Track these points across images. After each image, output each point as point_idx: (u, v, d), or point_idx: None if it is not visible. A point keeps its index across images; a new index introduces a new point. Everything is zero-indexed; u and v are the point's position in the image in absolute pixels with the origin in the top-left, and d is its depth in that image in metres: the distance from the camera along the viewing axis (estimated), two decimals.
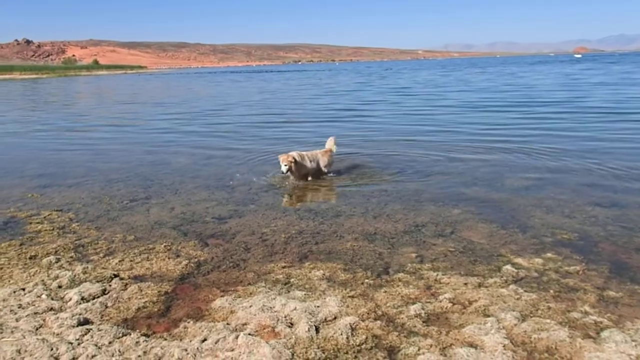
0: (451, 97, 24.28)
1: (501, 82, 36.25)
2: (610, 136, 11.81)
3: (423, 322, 3.78)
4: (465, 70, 66.01)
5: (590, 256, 4.96)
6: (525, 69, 60.57)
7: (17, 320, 3.89)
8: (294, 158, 7.97)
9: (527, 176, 8.26)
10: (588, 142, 11.08)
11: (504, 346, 3.37)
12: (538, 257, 4.95)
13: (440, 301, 4.09)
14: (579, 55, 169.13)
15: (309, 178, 8.45)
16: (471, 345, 3.43)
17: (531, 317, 3.79)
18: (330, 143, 8.94)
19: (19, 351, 3.41)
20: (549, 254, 5.02)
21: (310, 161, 8.37)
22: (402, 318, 3.84)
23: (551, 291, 4.24)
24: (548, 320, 3.72)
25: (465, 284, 4.40)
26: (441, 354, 3.32)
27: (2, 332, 3.68)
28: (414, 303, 4.07)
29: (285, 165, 7.88)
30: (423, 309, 3.96)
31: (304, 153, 8.34)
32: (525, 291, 4.22)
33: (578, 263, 4.79)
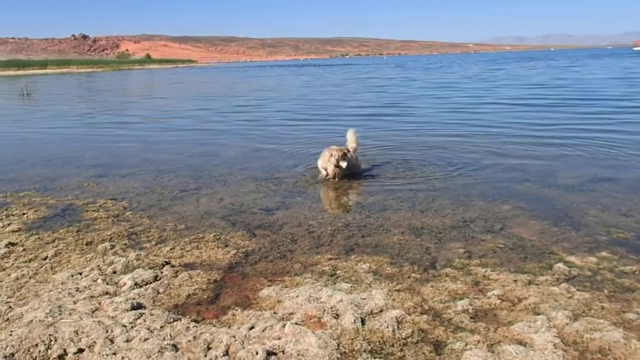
0: (501, 93, 23.69)
1: (554, 76, 35.11)
2: None
3: (470, 318, 3.74)
4: (516, 64, 64.30)
5: None
6: (578, 63, 58.47)
7: (74, 302, 4.07)
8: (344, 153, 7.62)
9: (582, 173, 8.00)
10: None
11: (554, 345, 3.30)
12: (592, 256, 4.80)
13: (489, 297, 4.03)
14: (638, 48, 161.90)
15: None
16: (520, 342, 3.37)
17: (583, 316, 3.68)
18: (351, 138, 8.46)
19: (76, 332, 3.56)
20: (603, 253, 4.86)
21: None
22: (449, 313, 3.81)
23: (605, 291, 4.10)
24: (601, 321, 3.60)
25: (515, 281, 4.32)
26: (489, 351, 3.28)
27: (61, 314, 3.85)
28: (461, 299, 4.02)
29: (337, 162, 7.50)
30: (471, 304, 3.91)
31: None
32: (578, 290, 4.10)
33: (634, 263, 4.62)
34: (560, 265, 4.59)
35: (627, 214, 6.01)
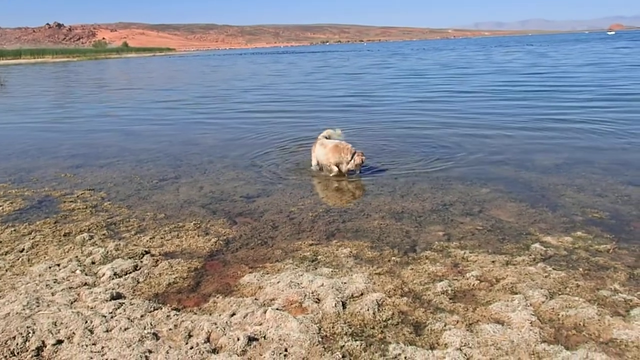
0: (478, 80, 23.81)
1: (530, 62, 35.40)
2: None
3: (450, 299, 3.79)
4: (493, 50, 64.77)
5: (621, 235, 4.87)
6: (555, 49, 59.12)
7: (52, 294, 4.03)
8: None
9: (558, 155, 8.12)
10: (621, 122, 10.82)
11: (531, 323, 3.36)
12: (568, 236, 4.88)
13: (467, 279, 4.08)
14: (612, 33, 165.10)
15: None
16: (498, 321, 3.43)
17: (559, 294, 3.76)
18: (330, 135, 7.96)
19: (55, 323, 3.53)
20: (579, 233, 4.95)
21: None
22: (429, 295, 3.85)
23: (580, 269, 4.19)
24: (576, 298, 3.68)
25: (493, 261, 4.38)
26: (467, 330, 3.33)
27: (38, 306, 3.81)
28: (440, 280, 4.07)
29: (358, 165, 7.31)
30: (450, 286, 3.96)
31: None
32: (554, 269, 4.18)
33: (609, 242, 4.72)
34: (537, 245, 4.67)
35: (602, 194, 6.12)
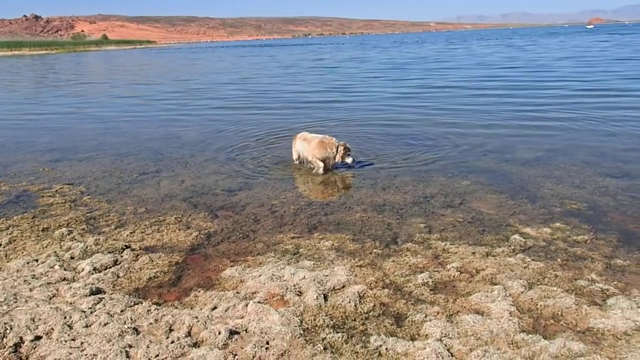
0: (457, 75, 23.92)
1: (509, 56, 35.66)
2: (623, 113, 11.67)
3: (430, 290, 3.82)
4: (474, 43, 65.21)
5: (599, 226, 4.95)
6: (534, 42, 59.65)
7: (30, 290, 3.97)
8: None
9: (538, 148, 8.21)
10: (599, 117, 10.97)
11: (510, 313, 3.40)
12: (546, 227, 4.95)
13: (448, 270, 4.12)
14: (591, 26, 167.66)
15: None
16: (478, 312, 3.47)
17: (538, 285, 3.81)
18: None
19: (33, 319, 3.48)
20: (557, 224, 5.02)
21: None
22: (410, 286, 3.88)
23: (558, 260, 4.25)
24: (554, 288, 3.74)
25: (473, 253, 4.43)
26: (448, 321, 3.36)
27: (16, 301, 3.76)
28: (421, 272, 4.10)
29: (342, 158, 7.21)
30: (430, 277, 3.99)
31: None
32: (533, 260, 4.24)
33: (586, 232, 4.79)
34: (516, 236, 4.72)
35: (580, 185, 6.21)
